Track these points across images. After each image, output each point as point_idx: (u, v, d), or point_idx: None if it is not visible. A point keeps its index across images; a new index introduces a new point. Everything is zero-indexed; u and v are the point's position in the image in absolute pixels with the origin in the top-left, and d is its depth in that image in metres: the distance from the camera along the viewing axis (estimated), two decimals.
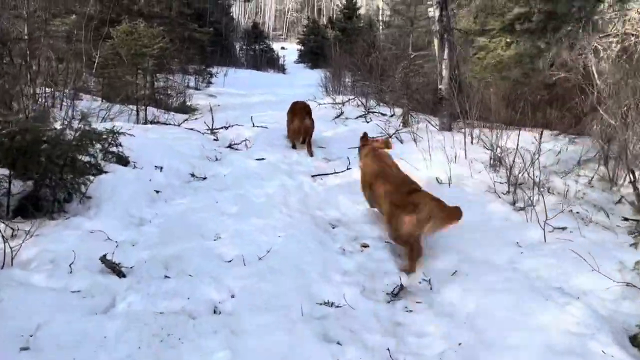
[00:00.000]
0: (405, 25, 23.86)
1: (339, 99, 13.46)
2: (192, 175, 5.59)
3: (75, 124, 4.62)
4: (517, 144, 5.46)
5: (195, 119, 8.47)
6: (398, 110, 10.85)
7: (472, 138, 6.97)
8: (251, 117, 9.09)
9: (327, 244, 3.95)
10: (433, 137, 6.82)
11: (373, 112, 10.31)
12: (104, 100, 9.16)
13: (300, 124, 7.24)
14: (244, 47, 33.60)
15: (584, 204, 4.96)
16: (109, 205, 4.15)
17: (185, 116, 9.36)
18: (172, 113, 9.76)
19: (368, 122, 9.37)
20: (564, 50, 5.70)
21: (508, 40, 5.37)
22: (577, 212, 4.65)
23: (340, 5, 52.88)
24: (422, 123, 8.78)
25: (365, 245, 4.08)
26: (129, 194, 4.42)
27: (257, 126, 8.63)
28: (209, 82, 17.69)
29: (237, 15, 56.70)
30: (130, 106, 8.36)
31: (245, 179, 5.51)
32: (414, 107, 12.86)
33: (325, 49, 35.44)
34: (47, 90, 7.66)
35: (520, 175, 5.26)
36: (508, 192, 5.33)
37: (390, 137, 7.67)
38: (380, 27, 40.36)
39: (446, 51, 7.95)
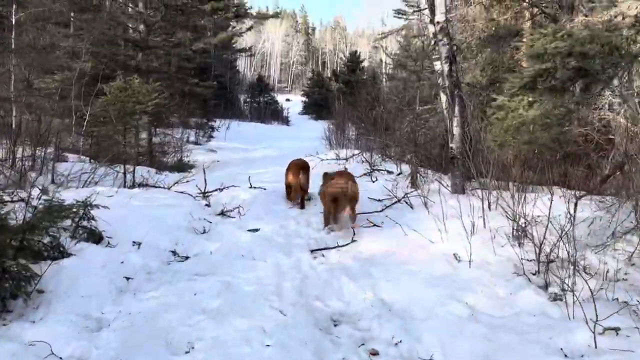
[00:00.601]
0: (408, 78, 23.74)
1: (343, 153, 12.93)
2: (174, 253, 4.85)
3: (45, 194, 3.98)
4: (549, 216, 4.73)
5: (187, 181, 7.81)
6: (405, 167, 10.24)
7: (489, 203, 6.26)
8: (249, 176, 8.46)
9: (327, 355, 3.16)
10: (446, 202, 6.13)
11: (379, 170, 9.67)
12: (92, 161, 8.60)
13: (295, 181, 7.11)
14: (249, 99, 33.61)
15: (629, 290, 4.19)
16: (63, 302, 3.41)
17: (178, 176, 8.76)
18: (166, 173, 9.18)
19: (374, 182, 8.72)
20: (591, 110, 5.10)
21: (530, 99, 4.73)
22: (626, 302, 3.87)
23: (344, 58, 53.81)
24: (432, 183, 8.13)
25: (374, 353, 3.29)
26: (91, 286, 3.68)
27: (255, 187, 7.99)
28: (210, 136, 17.31)
29: (243, 68, 57.63)
30: (118, 167, 7.74)
31: (234, 258, 4.77)
32: (422, 163, 12.27)
33: (329, 101, 35.57)
34: (28, 151, 7.09)
35: (551, 252, 4.53)
36: (538, 272, 4.57)
37: (399, 200, 6.97)
38: (384, 80, 40.75)
39: (457, 108, 7.37)
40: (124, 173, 7.52)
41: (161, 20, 12.17)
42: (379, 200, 7.25)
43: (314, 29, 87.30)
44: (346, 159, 11.99)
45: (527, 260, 4.71)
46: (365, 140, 15.60)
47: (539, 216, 5.19)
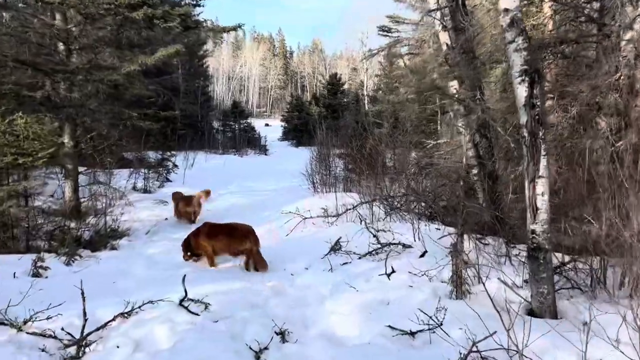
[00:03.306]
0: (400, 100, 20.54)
1: (330, 202, 9.46)
2: None
3: None
4: None
5: (54, 317, 4.13)
6: (424, 229, 6.84)
7: None
8: (184, 276, 4.91)
9: None
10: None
11: (391, 244, 6.21)
12: None
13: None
14: (220, 128, 30.01)
15: None
16: None
17: (72, 273, 5.18)
18: (54, 265, 5.59)
19: (389, 276, 5.23)
20: None
21: None
22: None
23: (323, 81, 50.76)
24: (489, 280, 4.74)
25: None
26: None
27: (189, 305, 4.45)
28: (166, 179, 13.62)
29: (220, 94, 54.44)
30: None
31: None
32: (433, 213, 8.90)
33: (309, 125, 32.28)
34: None
35: None
36: None
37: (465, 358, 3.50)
38: (366, 102, 37.67)
39: (542, 164, 4.02)
40: None
41: (80, 35, 8.69)
42: (412, 335, 3.82)
43: (292, 53, 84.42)
44: (337, 216, 8.53)
45: None
46: (357, 181, 12.23)
47: None
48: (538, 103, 3.98)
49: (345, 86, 44.58)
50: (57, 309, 3.97)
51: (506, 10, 4.00)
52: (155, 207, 10.71)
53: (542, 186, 4.03)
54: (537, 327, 3.65)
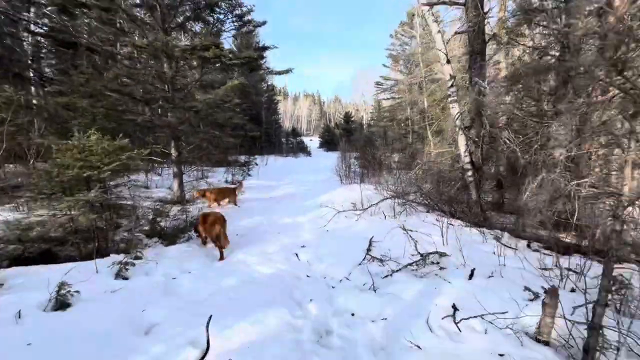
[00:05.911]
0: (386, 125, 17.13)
1: (355, 194, 6.46)
2: None
3: None
4: None
5: None
6: (450, 232, 3.75)
7: None
8: (209, 318, 2.04)
9: None
10: None
11: (429, 255, 3.15)
12: None
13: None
14: (284, 141, 27.13)
15: None
16: None
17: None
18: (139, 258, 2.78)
19: (456, 322, 2.20)
20: None
21: None
22: None
23: (341, 116, 47.07)
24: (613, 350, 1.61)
25: None
26: None
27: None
28: (248, 174, 10.82)
29: (286, 124, 51.68)
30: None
31: None
32: (437, 206, 5.73)
33: (334, 139, 29.74)
34: None
35: None
36: None
37: None
38: (365, 127, 33.93)
39: None
40: None
41: (175, 77, 5.77)
42: None
43: (324, 102, 79.98)
44: (363, 210, 5.50)
45: None
46: (367, 175, 9.12)
47: None
48: None
49: (353, 119, 40.67)
50: None
51: None
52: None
53: None
54: None
